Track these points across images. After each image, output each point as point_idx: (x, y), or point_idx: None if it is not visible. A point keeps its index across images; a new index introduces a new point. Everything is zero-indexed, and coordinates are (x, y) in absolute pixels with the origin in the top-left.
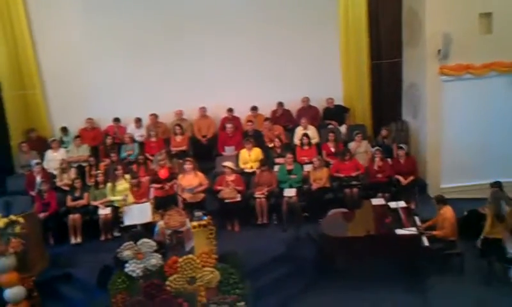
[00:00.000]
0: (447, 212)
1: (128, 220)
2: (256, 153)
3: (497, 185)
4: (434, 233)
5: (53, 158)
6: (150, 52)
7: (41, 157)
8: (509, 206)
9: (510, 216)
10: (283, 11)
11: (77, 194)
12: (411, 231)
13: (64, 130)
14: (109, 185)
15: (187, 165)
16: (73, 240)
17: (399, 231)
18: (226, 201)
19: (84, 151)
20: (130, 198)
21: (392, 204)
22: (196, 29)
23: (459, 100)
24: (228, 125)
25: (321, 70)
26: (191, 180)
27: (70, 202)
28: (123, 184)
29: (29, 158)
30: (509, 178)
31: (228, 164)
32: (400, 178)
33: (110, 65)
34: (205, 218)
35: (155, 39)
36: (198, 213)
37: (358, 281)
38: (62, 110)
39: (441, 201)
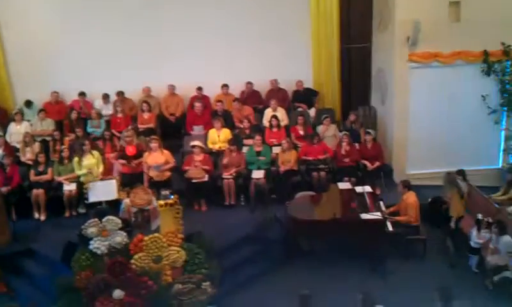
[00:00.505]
0: (410, 197)
1: (93, 197)
2: (225, 133)
3: (461, 173)
4: (398, 218)
5: (16, 132)
6: (120, 25)
7: (4, 129)
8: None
9: (469, 197)
10: None
11: (40, 168)
12: (376, 215)
13: (29, 103)
14: (75, 159)
15: (153, 144)
16: (36, 216)
17: (364, 216)
18: (194, 180)
19: (48, 126)
20: (96, 172)
21: (358, 189)
22: (170, 4)
23: (427, 87)
24: (197, 104)
25: (292, 51)
26: (157, 158)
27: (33, 177)
28: (89, 159)
29: None
30: (473, 166)
31: (197, 143)
32: (367, 163)
33: (77, 38)
34: (172, 197)
35: (126, 12)
36: (165, 192)
37: (322, 263)
38: (25, 82)
39: (407, 186)
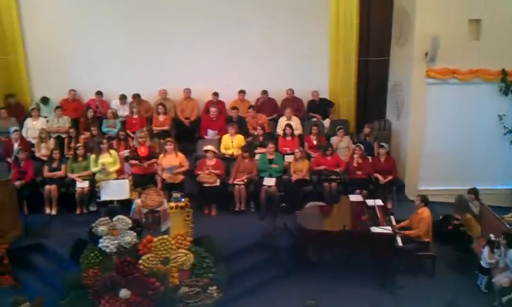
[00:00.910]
0: (425, 212)
1: (105, 196)
2: (239, 139)
3: (474, 191)
4: (408, 232)
5: (32, 127)
6: (140, 29)
7: (20, 124)
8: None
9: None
10: (277, 1)
11: (54, 165)
12: (387, 229)
13: (45, 100)
14: (92, 156)
15: (168, 146)
16: (48, 211)
17: (374, 229)
18: (205, 185)
19: (64, 123)
20: (111, 171)
21: (369, 202)
22: (190, 10)
23: (443, 103)
24: (213, 109)
25: (309, 62)
26: (171, 161)
27: (47, 172)
28: (106, 158)
29: (7, 124)
30: (487, 185)
31: (210, 147)
32: (379, 177)
33: (97, 38)
34: (183, 200)
35: (147, 17)
36: (176, 195)
37: (330, 274)
38: (44, 78)
39: (424, 200)
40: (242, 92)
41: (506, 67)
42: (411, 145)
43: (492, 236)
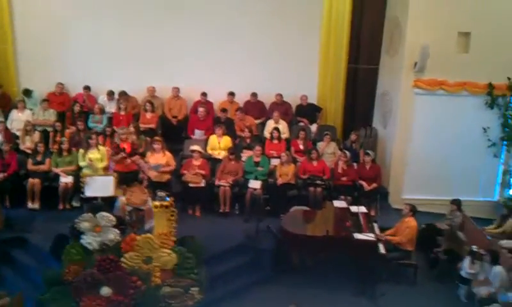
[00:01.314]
0: (411, 221)
1: (89, 192)
2: (226, 140)
3: (456, 202)
4: (390, 238)
5: (17, 119)
6: (131, 25)
7: (5, 115)
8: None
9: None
10: (269, 4)
11: (38, 158)
12: (369, 236)
13: (27, 92)
14: (80, 151)
15: (156, 145)
16: (30, 205)
17: (357, 236)
18: (191, 185)
19: (50, 116)
20: (98, 166)
21: (353, 209)
22: (181, 6)
23: (430, 114)
24: (201, 109)
25: (298, 66)
26: (159, 159)
27: (30, 166)
28: (94, 153)
29: None
30: (469, 196)
31: (197, 147)
32: (364, 184)
33: (88, 32)
34: (168, 199)
35: (137, 11)
36: (161, 194)
37: (312, 279)
38: (32, 70)
39: (413, 210)
40: (231, 94)
41: (493, 81)
42: (397, 154)
43: (474, 247)
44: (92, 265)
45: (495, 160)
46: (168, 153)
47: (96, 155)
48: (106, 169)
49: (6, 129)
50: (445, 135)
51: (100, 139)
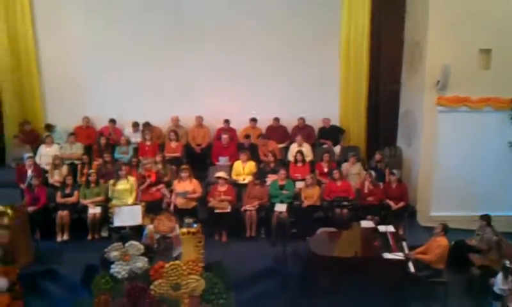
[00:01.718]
0: (443, 240)
1: (118, 221)
2: (250, 166)
3: (486, 218)
4: (423, 257)
5: (46, 153)
6: (152, 57)
7: (34, 151)
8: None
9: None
10: (288, 29)
11: (67, 191)
12: (399, 256)
13: (49, 127)
14: (110, 182)
15: (184, 173)
16: (59, 238)
17: (387, 255)
18: (217, 211)
19: (77, 149)
20: (128, 199)
21: (381, 228)
22: (202, 38)
23: (454, 131)
24: (224, 136)
25: (320, 89)
26: (185, 187)
27: (59, 198)
28: (124, 184)
29: (21, 151)
30: (498, 211)
31: (222, 174)
32: (391, 203)
33: (111, 66)
34: (195, 226)
35: (158, 45)
36: (188, 220)
37: (342, 301)
38: (58, 105)
39: (444, 230)
40: (253, 120)
41: None
42: (423, 172)
43: (507, 262)
44: (121, 294)
45: None
46: (194, 181)
47: (126, 185)
48: (135, 199)
49: (35, 164)
50: (471, 151)
51: (126, 169)
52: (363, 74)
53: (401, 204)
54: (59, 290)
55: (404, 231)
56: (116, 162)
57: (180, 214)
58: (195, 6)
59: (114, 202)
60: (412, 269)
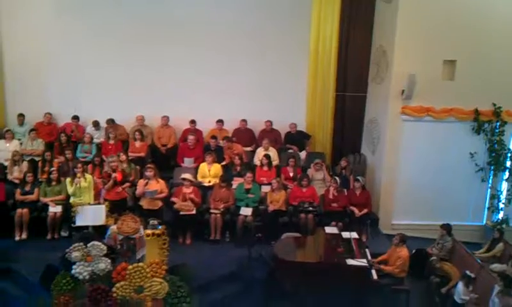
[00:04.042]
0: (403, 251)
1: (80, 221)
2: (216, 168)
3: (446, 227)
4: (383, 267)
5: (5, 149)
6: (119, 54)
7: None
8: None
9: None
10: (258, 33)
11: (27, 188)
12: (362, 262)
13: (21, 116)
14: (68, 179)
15: (149, 172)
16: (18, 236)
17: (350, 262)
18: (182, 213)
19: (38, 146)
20: (87, 197)
21: (345, 234)
22: (169, 38)
23: (418, 140)
24: (190, 137)
25: (287, 94)
26: (152, 187)
27: (18, 196)
28: (81, 182)
29: None
30: (458, 221)
31: (188, 176)
32: (355, 210)
33: (76, 62)
34: (160, 227)
35: (125, 43)
36: (153, 222)
37: (304, 306)
38: (19, 101)
39: (403, 240)
40: (220, 122)
41: (479, 107)
42: (386, 179)
43: (467, 271)
44: (83, 295)
45: (482, 185)
46: (160, 181)
47: (83, 183)
48: (96, 198)
49: None
50: (433, 161)
51: (90, 168)
52: (330, 81)
53: (364, 211)
54: (17, 290)
55: (367, 238)
56: (75, 160)
57: (145, 215)
58: (166, 8)
59: (72, 200)
60: (375, 276)
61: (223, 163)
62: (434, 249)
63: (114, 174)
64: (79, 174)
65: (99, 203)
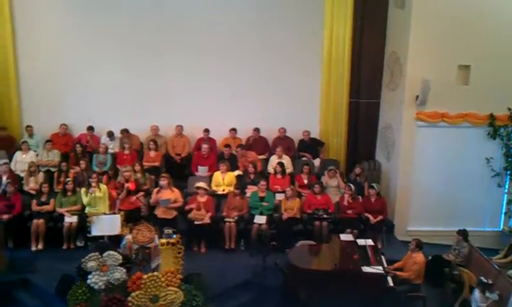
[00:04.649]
0: (419, 257)
1: (96, 231)
2: (230, 177)
3: (462, 233)
4: (400, 274)
5: (21, 160)
6: (133, 65)
7: (9, 157)
8: None
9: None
10: (271, 40)
11: (43, 199)
12: (378, 269)
13: (29, 127)
14: (82, 189)
15: (163, 181)
16: (34, 246)
17: (366, 269)
18: (196, 222)
19: (54, 157)
20: (102, 207)
21: (360, 242)
22: (181, 46)
23: (432, 146)
24: (204, 146)
25: (301, 102)
26: (166, 195)
27: (35, 206)
28: (96, 192)
29: None
30: (475, 227)
31: (202, 184)
32: (370, 217)
33: (90, 74)
34: (175, 236)
35: (139, 54)
36: (167, 231)
37: None
38: (35, 112)
39: (419, 246)
40: (233, 130)
41: (494, 112)
42: (401, 186)
43: (483, 278)
44: (98, 305)
45: (499, 190)
46: (175, 190)
47: (98, 193)
48: (111, 208)
49: (10, 171)
50: (449, 166)
51: (105, 179)
52: (344, 88)
53: (380, 218)
54: (33, 300)
55: (382, 245)
56: (90, 171)
57: (160, 224)
58: (177, 15)
59: (87, 210)
60: (391, 283)
61: (238, 172)
62: (451, 256)
63: (127, 185)
64: (93, 184)
65: (114, 213)
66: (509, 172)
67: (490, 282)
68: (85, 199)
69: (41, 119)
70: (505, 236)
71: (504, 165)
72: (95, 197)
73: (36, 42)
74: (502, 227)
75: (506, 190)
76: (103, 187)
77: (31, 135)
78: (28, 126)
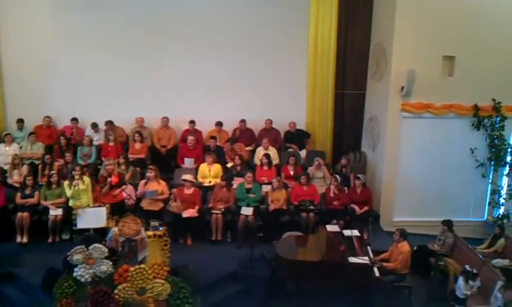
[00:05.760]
0: (404, 246)
1: (81, 223)
2: (216, 169)
3: (447, 223)
4: (387, 264)
5: (5, 153)
6: (118, 57)
7: None
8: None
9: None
10: (257, 33)
11: (27, 191)
12: (364, 260)
13: (21, 121)
14: (66, 182)
15: (150, 173)
16: (19, 239)
17: (352, 259)
18: (184, 215)
19: (38, 149)
20: (86, 199)
21: (347, 232)
22: (167, 39)
23: (418, 137)
24: (190, 137)
25: (287, 93)
26: (153, 187)
27: (19, 199)
28: (79, 185)
29: None
30: (459, 217)
31: (188, 177)
32: (356, 207)
33: (74, 65)
34: (161, 228)
35: (123, 44)
36: (154, 223)
37: (307, 304)
38: (19, 104)
39: (403, 235)
40: (218, 124)
41: (478, 102)
42: (386, 177)
43: (467, 266)
44: (85, 298)
45: (483, 180)
46: (162, 182)
47: (81, 185)
48: (95, 200)
49: None
50: (434, 157)
51: (89, 173)
52: (329, 80)
53: (365, 208)
54: (19, 294)
55: (368, 236)
56: (75, 164)
57: (146, 216)
58: (163, 7)
59: (71, 203)
60: (377, 274)
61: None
62: (436, 246)
63: (109, 179)
64: (76, 177)
65: (100, 205)
66: (493, 162)
67: (475, 271)
68: (68, 192)
69: (24, 111)
70: (490, 226)
71: (488, 155)
72: (78, 190)
73: (19, 33)
74: (486, 217)
75: (490, 181)
76: (86, 179)
77: (21, 129)
78: (19, 119)
